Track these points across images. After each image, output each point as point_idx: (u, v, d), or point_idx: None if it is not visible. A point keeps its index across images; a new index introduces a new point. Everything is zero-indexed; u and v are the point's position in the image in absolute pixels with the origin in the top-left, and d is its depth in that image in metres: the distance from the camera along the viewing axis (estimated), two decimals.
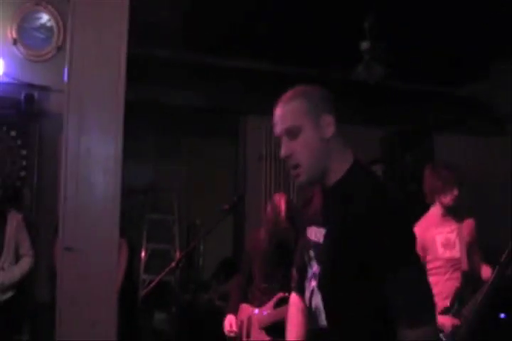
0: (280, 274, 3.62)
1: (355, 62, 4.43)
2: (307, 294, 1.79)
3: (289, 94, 1.78)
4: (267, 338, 3.53)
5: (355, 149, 1.82)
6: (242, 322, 3.67)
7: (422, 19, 4.65)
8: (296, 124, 1.71)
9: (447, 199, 3.73)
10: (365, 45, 4.30)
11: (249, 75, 5.42)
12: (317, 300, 1.71)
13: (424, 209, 4.06)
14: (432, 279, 3.76)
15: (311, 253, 1.77)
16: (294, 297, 1.98)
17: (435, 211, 3.83)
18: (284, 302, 3.51)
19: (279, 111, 1.76)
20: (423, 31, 4.87)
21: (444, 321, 3.57)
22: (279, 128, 1.75)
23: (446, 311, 3.59)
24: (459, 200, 3.75)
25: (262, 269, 3.69)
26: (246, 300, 3.75)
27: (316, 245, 1.74)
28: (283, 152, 1.72)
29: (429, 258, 3.77)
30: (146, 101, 5.25)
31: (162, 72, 5.14)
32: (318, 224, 1.75)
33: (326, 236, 1.72)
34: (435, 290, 3.76)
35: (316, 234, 1.76)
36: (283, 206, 3.73)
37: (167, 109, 5.69)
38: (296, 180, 1.76)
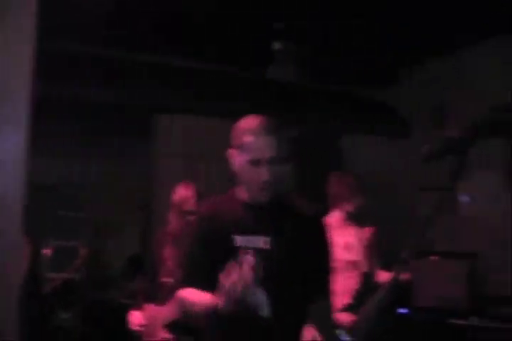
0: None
1: (270, 61, 4.47)
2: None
3: (272, 123, 2.08)
4: (170, 336, 3.48)
5: None
6: (146, 320, 3.62)
7: (335, 21, 4.75)
8: (285, 155, 2.05)
9: (351, 207, 3.84)
10: (278, 44, 4.34)
11: (163, 72, 5.37)
12: (259, 298, 1.99)
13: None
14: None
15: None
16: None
17: (337, 215, 3.92)
18: None
19: (264, 139, 2.02)
20: (336, 33, 4.98)
21: (344, 318, 3.69)
22: (263, 154, 2.01)
23: (345, 309, 3.71)
24: (363, 208, 3.87)
25: (167, 264, 3.67)
26: (152, 299, 3.70)
27: (259, 251, 1.98)
28: (266, 177, 2.02)
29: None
30: (59, 97, 5.10)
31: (75, 68, 5.01)
32: (257, 233, 2.04)
33: (274, 244, 2.04)
34: (335, 288, 3.88)
35: (255, 241, 2.04)
36: (191, 196, 3.69)
37: (79, 105, 5.55)
38: (265, 196, 2.06)
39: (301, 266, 2.05)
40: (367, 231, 3.91)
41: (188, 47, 5.25)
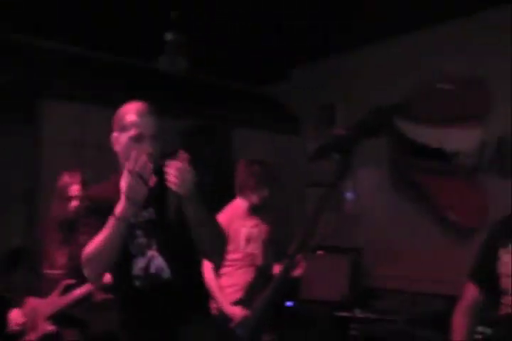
0: (64, 259, 3.51)
1: (159, 52, 4.40)
2: (143, 263, 2.29)
3: (151, 106, 2.36)
4: (53, 327, 3.40)
5: None
6: (26, 316, 3.49)
7: (230, 16, 4.74)
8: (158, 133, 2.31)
9: (256, 197, 3.82)
10: (169, 35, 4.28)
11: (51, 58, 5.16)
12: (158, 262, 2.28)
13: (219, 201, 4.15)
14: (226, 270, 3.88)
15: (138, 232, 2.27)
16: None
17: (242, 204, 3.89)
18: (70, 289, 3.42)
19: (146, 118, 2.28)
20: (230, 28, 4.97)
21: (235, 311, 3.69)
22: (146, 131, 2.27)
23: (237, 302, 3.71)
24: (267, 200, 3.86)
25: (49, 256, 3.54)
26: (34, 291, 3.58)
27: (147, 222, 2.27)
28: (151, 150, 2.22)
29: (230, 249, 3.85)
30: None
31: None
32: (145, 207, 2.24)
33: (158, 214, 2.28)
34: (229, 282, 3.88)
35: (144, 214, 2.28)
36: (76, 182, 3.59)
37: None
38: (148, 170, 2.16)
39: (186, 232, 2.23)
40: (266, 222, 3.92)
41: (79, 34, 5.08)
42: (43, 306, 3.44)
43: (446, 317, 3.83)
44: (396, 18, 4.84)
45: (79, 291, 3.40)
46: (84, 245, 2.22)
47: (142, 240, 2.30)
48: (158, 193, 2.26)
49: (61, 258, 3.52)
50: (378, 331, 4.26)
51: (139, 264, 2.30)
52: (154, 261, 2.30)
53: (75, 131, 5.65)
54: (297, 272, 3.79)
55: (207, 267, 3.81)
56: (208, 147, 4.50)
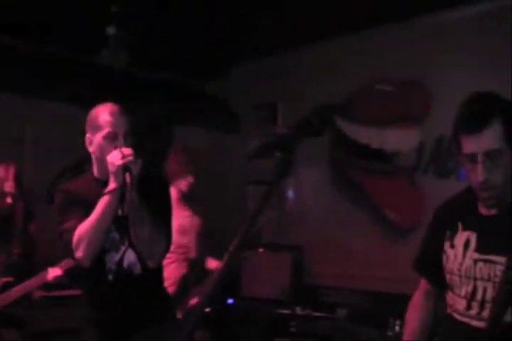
0: (4, 255, 3.44)
1: (101, 47, 4.33)
2: (116, 258, 2.39)
3: (121, 107, 2.47)
4: None
5: None
6: None
7: (172, 11, 4.71)
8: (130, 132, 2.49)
9: (181, 184, 3.84)
10: (111, 30, 4.22)
11: None
12: (130, 258, 2.40)
13: None
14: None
15: (112, 227, 2.34)
16: None
17: (173, 194, 3.92)
18: (9, 287, 3.34)
19: (119, 118, 2.40)
20: (173, 23, 4.94)
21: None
22: (119, 130, 2.40)
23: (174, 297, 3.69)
24: (194, 188, 3.87)
25: None
26: None
27: (121, 218, 2.35)
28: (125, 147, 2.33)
29: None
30: None
31: None
32: None
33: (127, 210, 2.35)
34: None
35: None
36: (10, 177, 3.51)
37: None
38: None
39: None
40: (200, 214, 3.92)
41: (19, 27, 4.95)
42: None
43: (384, 314, 3.91)
44: (337, 19, 4.88)
45: (18, 289, 3.32)
46: (63, 233, 2.31)
47: (116, 235, 2.39)
48: (129, 191, 2.29)
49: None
50: (319, 328, 4.29)
51: (112, 258, 2.39)
52: (127, 256, 2.40)
53: (14, 127, 5.52)
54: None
55: None
56: (148, 143, 4.46)
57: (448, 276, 2.08)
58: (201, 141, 6.00)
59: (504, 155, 1.85)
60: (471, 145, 1.86)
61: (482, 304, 1.93)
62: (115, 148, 2.28)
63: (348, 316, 4.31)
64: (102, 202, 2.26)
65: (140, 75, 5.69)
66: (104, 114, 2.39)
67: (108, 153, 2.28)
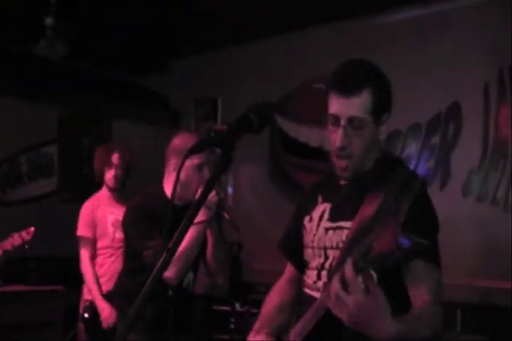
0: None
1: (38, 37, 4.24)
2: None
3: None
4: None
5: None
6: None
7: (112, 3, 4.65)
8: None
9: (107, 179, 3.84)
10: (49, 20, 4.13)
11: None
12: (189, 277, 2.72)
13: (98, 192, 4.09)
14: (98, 259, 3.84)
15: None
16: None
17: (104, 191, 3.92)
18: None
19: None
20: (111, 15, 4.87)
21: (105, 308, 3.66)
22: (206, 160, 2.64)
23: (108, 295, 3.66)
24: (119, 181, 3.86)
25: None
26: None
27: None
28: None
29: (98, 236, 3.82)
30: None
31: None
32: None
33: None
34: (100, 272, 3.83)
35: None
36: None
37: None
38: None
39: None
40: None
41: None
42: None
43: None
44: (274, 17, 4.92)
45: None
46: (145, 249, 2.47)
47: None
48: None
49: None
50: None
51: None
52: (188, 275, 2.66)
53: None
54: None
55: (84, 257, 3.78)
56: (85, 136, 4.39)
57: (305, 251, 1.97)
58: (140, 136, 5.95)
59: (367, 127, 1.79)
60: (337, 106, 1.82)
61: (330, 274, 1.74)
62: (201, 177, 2.58)
63: None
64: (194, 231, 2.46)
65: (78, 69, 5.61)
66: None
67: (194, 181, 2.56)
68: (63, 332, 4.85)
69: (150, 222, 2.53)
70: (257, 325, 2.09)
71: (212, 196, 2.44)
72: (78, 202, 4.28)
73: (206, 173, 2.60)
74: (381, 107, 1.81)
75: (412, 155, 4.61)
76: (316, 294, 1.81)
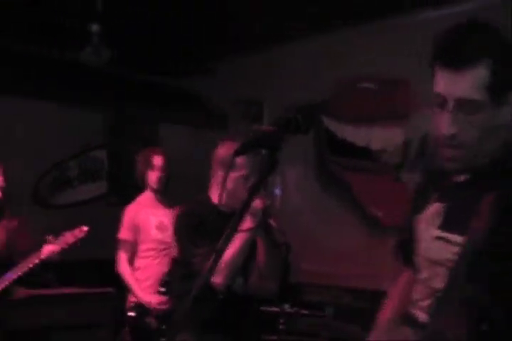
0: None
1: (83, 44, 4.31)
2: None
3: None
4: None
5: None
6: None
7: (155, 9, 4.68)
8: None
9: (151, 181, 3.87)
10: (95, 27, 4.19)
11: None
12: (239, 281, 2.70)
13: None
14: (142, 263, 3.87)
15: None
16: None
17: (148, 193, 3.96)
18: None
19: (252, 159, 2.58)
20: (155, 21, 4.91)
21: (151, 300, 3.67)
22: (253, 170, 2.63)
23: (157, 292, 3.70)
24: (162, 182, 3.89)
25: None
26: None
27: None
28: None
29: (141, 238, 3.85)
30: None
31: None
32: None
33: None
34: (144, 276, 3.87)
35: None
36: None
37: None
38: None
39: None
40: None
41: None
42: None
43: (371, 312, 3.92)
44: (320, 16, 4.88)
45: (14, 271, 3.31)
46: (194, 257, 2.50)
47: None
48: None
49: None
50: (306, 326, 4.29)
51: None
52: (237, 279, 2.68)
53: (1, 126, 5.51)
54: None
55: (122, 258, 3.82)
56: (133, 141, 4.44)
57: (414, 258, 1.70)
58: (187, 140, 5.99)
59: (483, 110, 1.43)
60: (443, 83, 1.50)
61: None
62: (248, 186, 2.52)
63: (336, 314, 4.32)
64: (240, 238, 2.49)
65: (124, 74, 5.68)
66: None
67: (240, 191, 2.53)
68: (113, 334, 4.92)
69: (198, 229, 2.57)
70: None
71: (258, 203, 2.44)
72: (125, 205, 4.34)
73: (251, 181, 2.62)
74: (503, 83, 1.43)
75: None
76: (421, 315, 1.60)
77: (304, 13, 4.78)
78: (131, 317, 3.82)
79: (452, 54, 1.44)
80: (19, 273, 3.36)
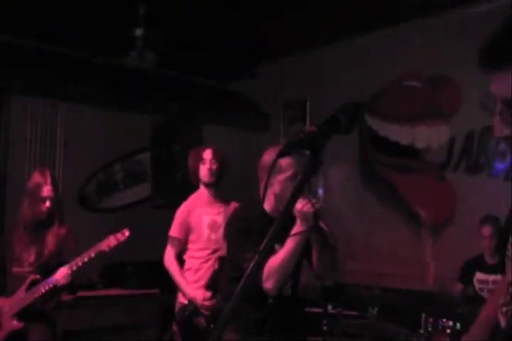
0: (33, 257, 3.48)
1: (128, 48, 4.37)
2: None
3: None
4: (19, 324, 3.36)
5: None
6: None
7: (199, 11, 4.73)
8: None
9: (202, 174, 3.85)
10: (139, 31, 4.25)
11: (12, 51, 5.08)
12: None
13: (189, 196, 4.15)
14: (194, 264, 3.87)
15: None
16: None
17: (203, 191, 3.92)
18: (35, 284, 3.39)
19: (297, 159, 2.49)
20: (199, 24, 4.95)
21: (197, 295, 3.69)
22: (299, 170, 2.50)
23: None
24: (214, 176, 3.87)
25: (17, 254, 3.51)
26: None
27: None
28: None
29: (193, 238, 3.86)
30: None
31: None
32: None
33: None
34: (195, 277, 3.86)
35: None
36: (48, 182, 3.55)
37: None
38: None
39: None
40: (232, 209, 3.92)
41: (45, 30, 5.01)
42: (8, 304, 3.40)
43: (415, 312, 3.88)
44: (363, 17, 4.86)
45: (44, 287, 3.37)
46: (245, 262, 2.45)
47: None
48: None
49: (30, 256, 3.50)
50: (350, 327, 4.27)
51: None
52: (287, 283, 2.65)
53: (43, 129, 5.59)
54: None
55: (169, 253, 3.84)
56: (176, 143, 4.48)
57: (505, 260, 1.69)
58: (231, 141, 6.01)
59: None
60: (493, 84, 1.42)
61: None
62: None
63: (380, 314, 4.28)
64: (291, 243, 2.46)
65: (168, 77, 5.73)
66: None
67: (289, 193, 2.43)
68: (159, 335, 4.98)
69: (249, 234, 2.55)
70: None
71: (308, 207, 2.41)
72: (171, 207, 4.36)
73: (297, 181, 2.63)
74: None
75: None
76: (502, 320, 1.61)
77: (349, 13, 4.77)
78: (180, 317, 3.84)
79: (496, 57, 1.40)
80: (84, 261, 3.41)
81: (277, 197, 2.62)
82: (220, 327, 1.33)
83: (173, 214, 4.00)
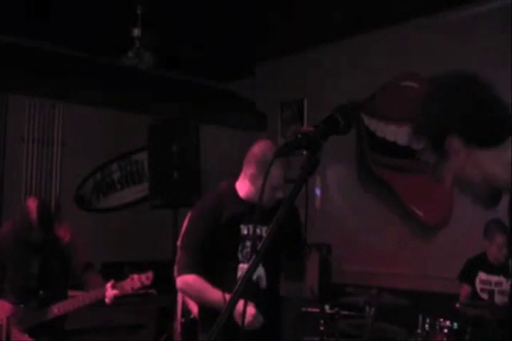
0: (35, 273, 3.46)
1: (126, 48, 4.38)
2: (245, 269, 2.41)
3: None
4: (30, 339, 3.34)
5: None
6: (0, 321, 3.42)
7: (196, 13, 4.73)
8: None
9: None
10: (136, 31, 4.26)
11: (11, 50, 5.09)
12: (259, 272, 2.62)
13: (188, 197, 4.14)
14: None
15: (247, 243, 2.65)
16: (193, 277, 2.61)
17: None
18: (46, 301, 3.37)
19: None
20: (196, 24, 4.96)
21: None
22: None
23: None
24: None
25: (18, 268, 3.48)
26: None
27: (257, 237, 2.61)
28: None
29: None
30: None
31: None
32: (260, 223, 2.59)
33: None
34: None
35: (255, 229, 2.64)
36: (34, 212, 3.47)
37: None
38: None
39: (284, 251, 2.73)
40: None
41: (43, 30, 5.02)
42: (18, 316, 3.35)
43: (413, 312, 3.88)
44: (360, 18, 4.87)
45: (59, 308, 3.36)
46: None
47: (248, 249, 2.67)
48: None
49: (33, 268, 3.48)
50: (347, 327, 4.27)
51: (243, 270, 2.61)
52: (257, 269, 2.49)
53: (40, 128, 5.60)
54: None
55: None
56: (174, 142, 4.48)
57: None
58: (228, 140, 6.02)
59: None
60: None
61: None
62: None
63: (377, 314, 4.28)
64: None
65: (165, 77, 5.73)
66: (272, 150, 2.49)
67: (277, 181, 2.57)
68: (156, 335, 4.97)
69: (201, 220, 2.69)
70: None
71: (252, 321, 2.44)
72: (168, 207, 4.35)
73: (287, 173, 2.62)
74: None
75: None
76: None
77: (343, 14, 4.78)
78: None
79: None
80: (73, 308, 3.41)
81: (269, 187, 2.59)
82: (220, 327, 1.33)
83: (172, 214, 3.99)
